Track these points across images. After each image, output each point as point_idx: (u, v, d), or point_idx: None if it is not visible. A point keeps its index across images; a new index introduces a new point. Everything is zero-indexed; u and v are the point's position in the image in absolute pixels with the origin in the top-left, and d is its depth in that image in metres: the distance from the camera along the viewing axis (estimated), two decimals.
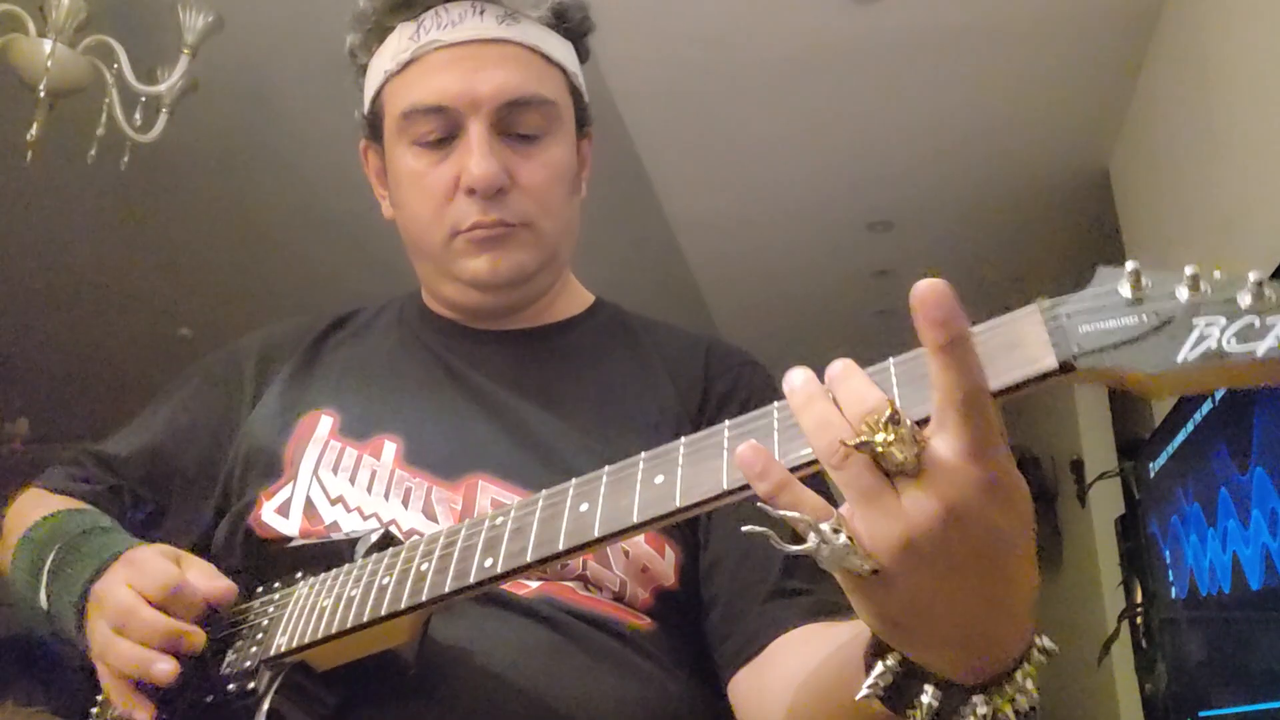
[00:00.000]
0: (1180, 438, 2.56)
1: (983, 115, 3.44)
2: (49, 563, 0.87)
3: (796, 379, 0.56)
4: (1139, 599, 3.59)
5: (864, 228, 4.15)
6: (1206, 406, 2.33)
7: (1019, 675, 0.55)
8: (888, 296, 4.68)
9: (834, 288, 4.61)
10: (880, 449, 0.51)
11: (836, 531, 0.52)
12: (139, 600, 0.77)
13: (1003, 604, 0.54)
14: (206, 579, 0.81)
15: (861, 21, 2.97)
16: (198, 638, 0.77)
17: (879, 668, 0.56)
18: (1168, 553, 2.75)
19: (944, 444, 0.51)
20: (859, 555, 0.52)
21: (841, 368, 0.55)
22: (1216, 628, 2.39)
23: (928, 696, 0.55)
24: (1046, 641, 0.57)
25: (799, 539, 0.53)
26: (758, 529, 0.54)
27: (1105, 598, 4.23)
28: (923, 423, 0.53)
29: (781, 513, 0.53)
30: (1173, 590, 2.71)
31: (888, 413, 0.51)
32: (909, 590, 0.53)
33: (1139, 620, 3.55)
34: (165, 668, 0.75)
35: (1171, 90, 2.99)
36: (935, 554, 0.51)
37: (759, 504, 0.55)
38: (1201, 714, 2.49)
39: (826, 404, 0.54)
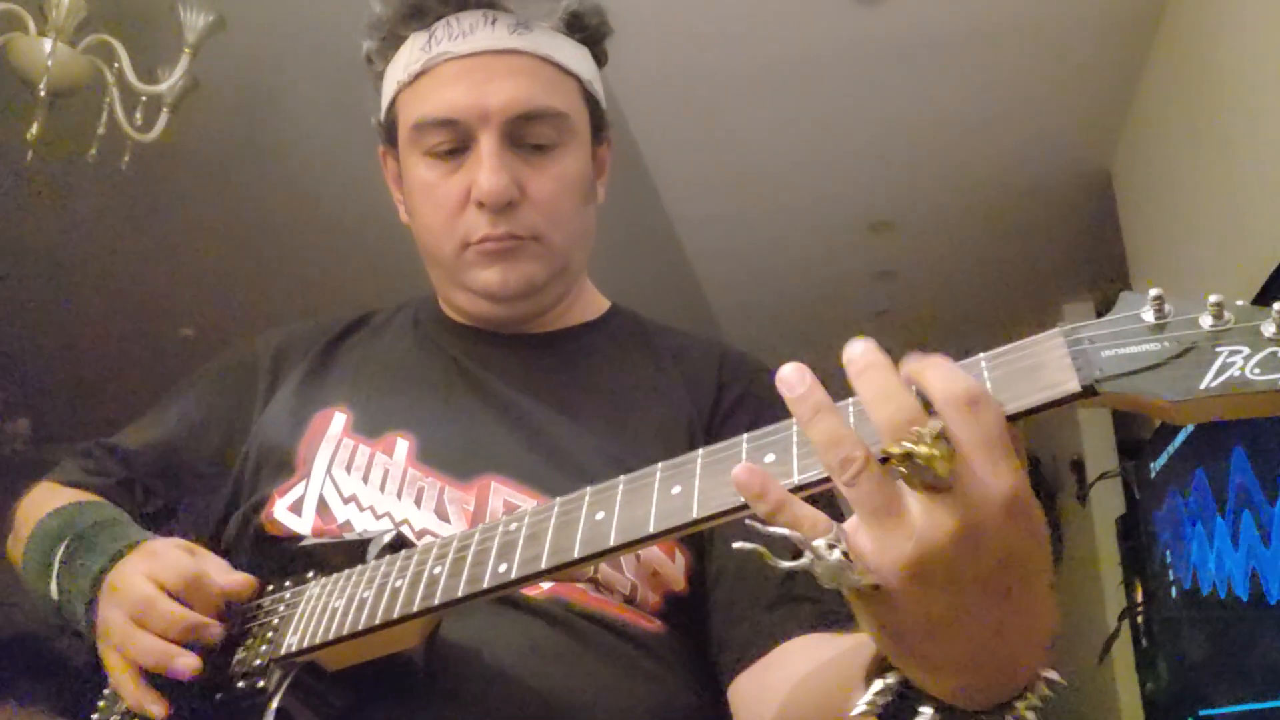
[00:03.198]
0: (1181, 437, 2.56)
1: (984, 116, 3.44)
2: (59, 554, 0.87)
3: (796, 385, 0.53)
4: (1139, 598, 3.60)
5: (866, 228, 4.16)
6: None
7: (1021, 705, 0.54)
8: (889, 297, 4.69)
9: (836, 288, 4.61)
10: (923, 462, 0.49)
11: (832, 547, 0.51)
12: (158, 591, 0.77)
13: (1014, 631, 0.52)
14: (223, 572, 0.81)
15: (864, 22, 2.98)
16: (216, 629, 0.77)
17: (878, 684, 0.55)
18: (1168, 552, 2.76)
19: (967, 457, 0.49)
20: (856, 572, 0.51)
21: (866, 363, 0.52)
22: (1217, 627, 2.40)
23: (925, 719, 0.54)
24: (1054, 674, 0.55)
25: (799, 554, 0.52)
26: (748, 545, 0.53)
27: (1106, 597, 4.23)
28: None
29: (772, 530, 0.52)
30: (1173, 590, 2.72)
31: (937, 427, 0.49)
32: (915, 610, 0.51)
33: (1139, 619, 3.56)
34: (189, 662, 0.75)
35: (1173, 92, 2.99)
36: (946, 574, 0.50)
37: (749, 521, 0.54)
38: (1202, 713, 2.49)
39: (834, 418, 0.52)
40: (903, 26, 3.00)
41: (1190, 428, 2.48)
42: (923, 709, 0.54)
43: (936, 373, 0.51)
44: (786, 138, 3.56)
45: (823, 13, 2.95)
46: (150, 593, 0.77)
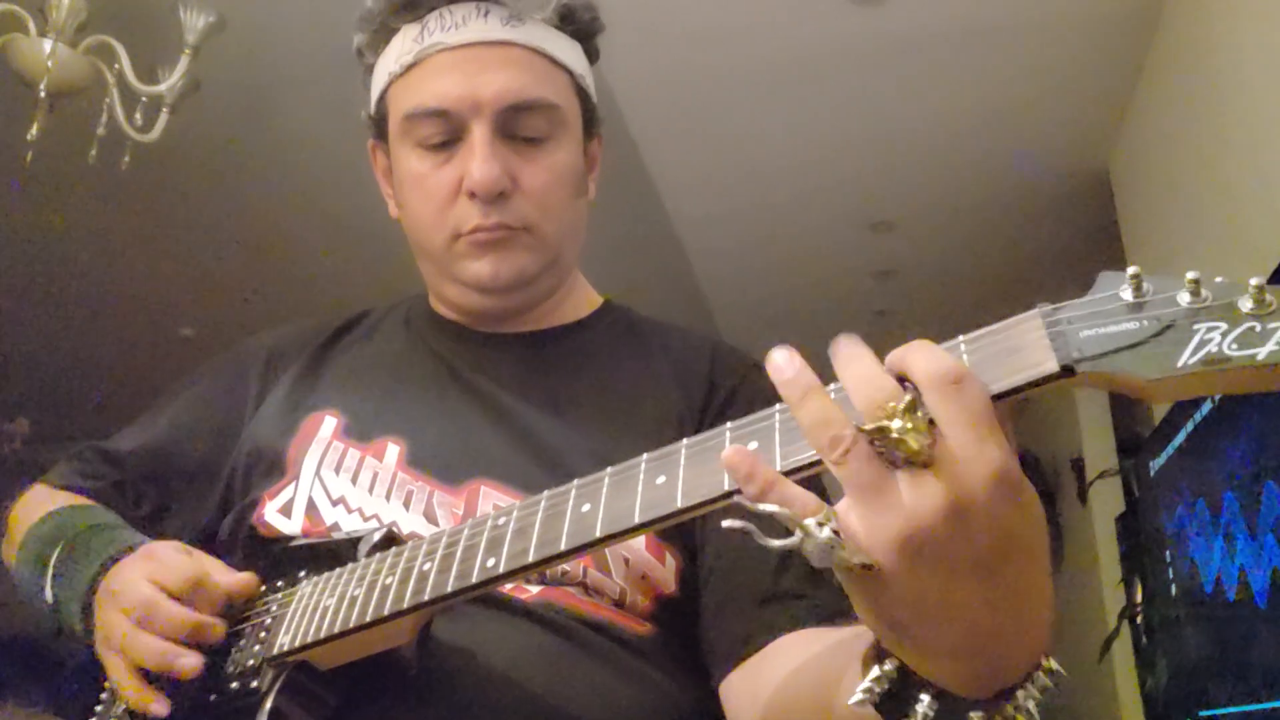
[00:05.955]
0: (1181, 436, 2.56)
1: (984, 115, 3.44)
2: (54, 559, 0.87)
3: (786, 369, 0.53)
4: (1139, 597, 3.59)
5: (866, 228, 4.15)
6: (1207, 405, 2.33)
7: (1021, 695, 0.53)
8: (889, 297, 4.69)
9: (836, 287, 4.61)
10: (896, 435, 0.49)
11: (822, 525, 0.50)
12: (160, 594, 0.77)
13: (1010, 612, 0.51)
14: (224, 573, 0.81)
15: (863, 22, 2.98)
16: (220, 629, 0.78)
17: (875, 671, 0.54)
18: (1168, 551, 2.76)
19: (951, 434, 0.49)
20: (847, 550, 0.50)
21: (848, 350, 0.53)
22: (1217, 626, 2.39)
23: (924, 706, 0.53)
24: (1054, 663, 0.54)
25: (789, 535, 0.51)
26: (738, 524, 0.52)
27: (1106, 596, 4.23)
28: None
29: (763, 507, 0.52)
30: (1173, 588, 2.71)
31: (907, 399, 0.50)
32: (909, 590, 0.50)
33: (1139, 618, 3.56)
34: (191, 661, 0.75)
35: (1172, 90, 2.99)
36: (937, 552, 0.49)
37: (739, 500, 0.53)
38: (1202, 713, 2.49)
39: (823, 399, 0.52)
40: (902, 26, 3.00)
41: (1189, 427, 2.48)
42: (921, 696, 0.53)
43: (918, 355, 0.52)
44: (786, 137, 3.56)
45: (822, 12, 2.95)
46: (152, 595, 0.77)
